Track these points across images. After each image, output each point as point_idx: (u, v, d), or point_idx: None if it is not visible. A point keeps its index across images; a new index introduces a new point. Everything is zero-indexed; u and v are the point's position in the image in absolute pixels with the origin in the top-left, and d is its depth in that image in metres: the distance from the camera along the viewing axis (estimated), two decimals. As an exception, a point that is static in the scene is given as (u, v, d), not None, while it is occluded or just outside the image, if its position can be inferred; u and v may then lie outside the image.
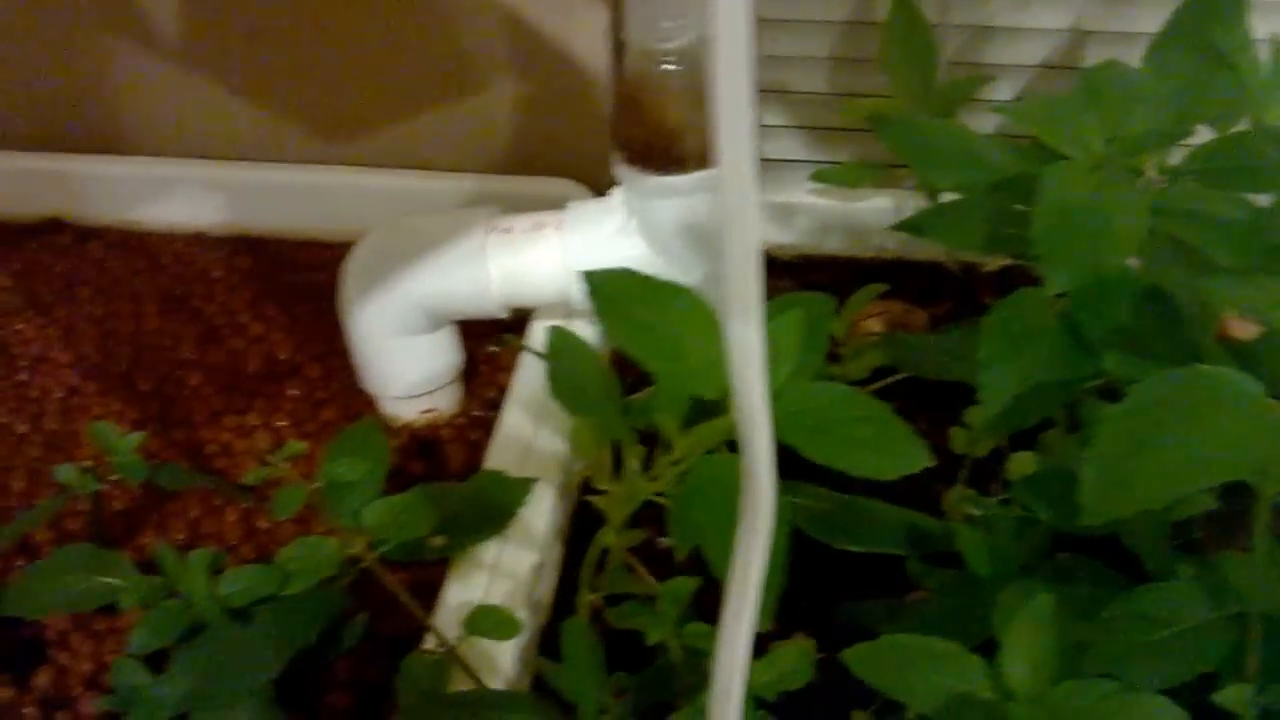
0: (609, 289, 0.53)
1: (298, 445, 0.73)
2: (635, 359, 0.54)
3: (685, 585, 0.60)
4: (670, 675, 0.58)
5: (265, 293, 0.98)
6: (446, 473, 0.84)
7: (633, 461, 0.68)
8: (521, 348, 0.85)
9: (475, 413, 0.88)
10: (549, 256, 0.81)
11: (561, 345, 0.77)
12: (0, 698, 0.69)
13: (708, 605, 0.61)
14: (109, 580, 0.67)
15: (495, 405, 0.87)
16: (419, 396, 0.85)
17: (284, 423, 0.87)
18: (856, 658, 0.54)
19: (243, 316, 0.96)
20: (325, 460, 0.72)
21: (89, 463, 0.76)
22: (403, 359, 0.84)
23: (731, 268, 0.29)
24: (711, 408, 0.65)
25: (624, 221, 0.80)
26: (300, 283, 1.00)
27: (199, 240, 1.04)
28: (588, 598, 0.62)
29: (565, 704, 0.60)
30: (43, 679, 0.70)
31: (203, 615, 0.65)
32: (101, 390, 0.89)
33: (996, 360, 0.57)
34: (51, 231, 1.06)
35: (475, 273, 0.81)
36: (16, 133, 1.07)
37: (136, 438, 0.74)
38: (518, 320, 0.87)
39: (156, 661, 0.67)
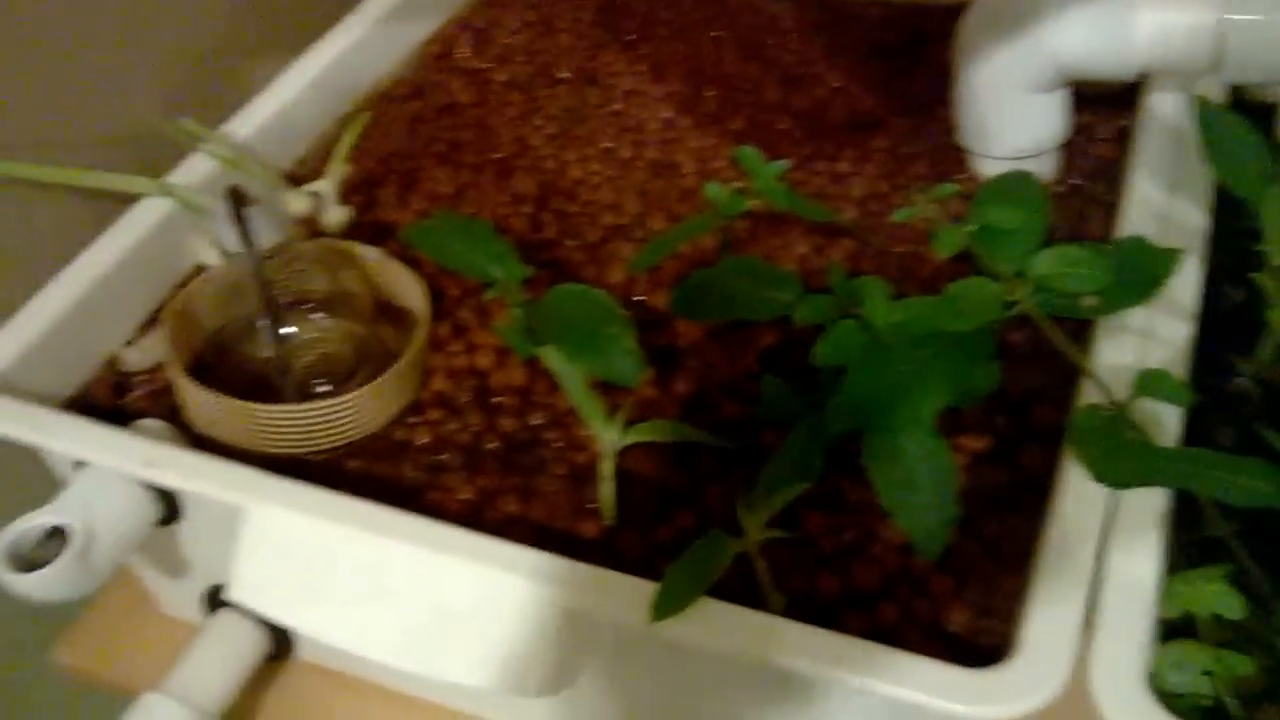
0: None
1: (950, 187, 0.66)
2: None
3: None
4: None
5: (837, 46, 0.91)
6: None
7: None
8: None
9: (1073, 181, 0.78)
10: (1206, 12, 0.69)
11: (1212, 111, 0.67)
12: (645, 395, 0.68)
13: None
14: (777, 295, 0.63)
15: (1091, 176, 0.78)
16: (1020, 159, 0.77)
17: (874, 172, 0.80)
18: None
19: (818, 67, 0.89)
20: (977, 205, 0.65)
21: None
22: (1016, 117, 0.75)
23: None
24: None
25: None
26: (869, 39, 0.92)
27: (763, -9, 0.97)
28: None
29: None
30: (680, 385, 0.68)
31: (879, 338, 0.60)
32: (694, 125, 0.85)
33: None
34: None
35: (1119, 27, 0.70)
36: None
37: (781, 164, 0.69)
38: (1118, 92, 0.77)
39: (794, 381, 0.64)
